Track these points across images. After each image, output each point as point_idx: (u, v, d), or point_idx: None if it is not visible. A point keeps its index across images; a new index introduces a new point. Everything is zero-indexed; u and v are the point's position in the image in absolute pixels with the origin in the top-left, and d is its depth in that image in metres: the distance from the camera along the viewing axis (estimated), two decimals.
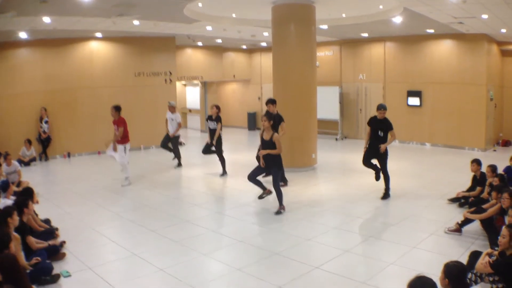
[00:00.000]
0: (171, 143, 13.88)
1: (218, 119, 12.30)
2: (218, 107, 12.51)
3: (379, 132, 9.66)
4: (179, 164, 13.96)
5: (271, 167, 8.90)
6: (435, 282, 3.43)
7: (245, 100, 24.83)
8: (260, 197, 9.27)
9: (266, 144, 8.84)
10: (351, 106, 19.63)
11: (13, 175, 10.49)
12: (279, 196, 8.94)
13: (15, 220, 5.84)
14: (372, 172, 10.06)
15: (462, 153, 15.59)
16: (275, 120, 9.97)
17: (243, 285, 5.80)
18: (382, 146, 9.52)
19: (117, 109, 11.46)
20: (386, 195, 9.81)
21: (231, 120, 25.53)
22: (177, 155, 13.93)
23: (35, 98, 15.66)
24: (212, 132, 12.40)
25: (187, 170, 13.26)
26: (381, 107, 9.86)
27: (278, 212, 8.82)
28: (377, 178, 9.89)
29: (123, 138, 11.46)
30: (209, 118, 12.50)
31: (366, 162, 9.89)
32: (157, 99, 18.02)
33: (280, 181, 10.24)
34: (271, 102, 10.78)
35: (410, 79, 17.58)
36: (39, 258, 5.86)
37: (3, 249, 4.96)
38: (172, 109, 13.92)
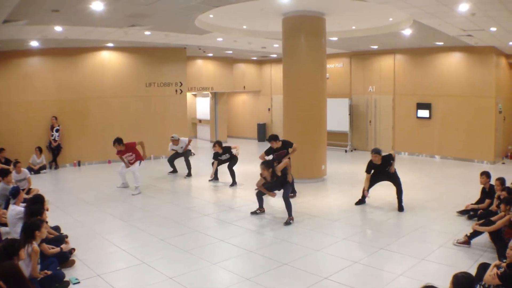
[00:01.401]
0: (184, 157, 14.26)
1: (226, 150, 12.85)
2: (219, 143, 12.93)
3: (387, 168, 9.98)
4: (189, 174, 14.09)
5: (284, 184, 9.14)
6: None
7: (255, 111, 24.89)
8: (253, 212, 9.69)
9: (276, 182, 9.14)
10: (361, 118, 19.63)
11: (22, 182, 10.56)
12: (289, 207, 9.02)
13: (43, 233, 5.90)
14: (384, 185, 10.25)
15: (471, 166, 15.54)
16: (286, 147, 10.65)
17: None
18: (392, 168, 9.90)
19: (120, 141, 11.88)
20: (401, 208, 9.83)
21: (241, 131, 25.64)
22: (188, 166, 14.16)
23: (46, 106, 15.81)
24: (225, 161, 13.00)
25: (197, 180, 13.30)
26: (374, 152, 10.00)
27: (287, 223, 8.88)
28: (358, 203, 10.38)
29: (137, 156, 11.97)
30: (218, 155, 12.91)
31: (372, 184, 10.25)
32: (168, 110, 18.15)
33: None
34: (273, 139, 10.75)
35: (420, 92, 17.58)
36: (48, 272, 5.89)
37: (12, 255, 5.01)
38: (176, 142, 14.32)
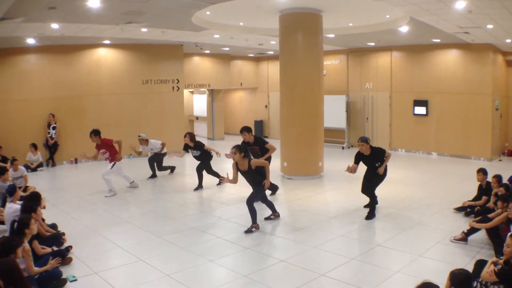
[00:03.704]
0: (156, 161, 13.61)
1: (197, 147, 11.90)
2: (190, 135, 11.98)
3: (376, 164, 9.05)
4: (153, 176, 13.56)
5: (257, 186, 8.46)
6: None
7: (252, 108, 24.88)
8: (267, 218, 9.07)
9: (248, 173, 8.41)
10: (358, 115, 19.65)
11: (19, 180, 10.56)
12: (252, 213, 8.36)
13: (32, 229, 5.89)
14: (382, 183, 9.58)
15: (468, 163, 15.55)
16: (259, 144, 10.24)
17: None
18: (380, 170, 8.99)
19: (96, 133, 11.30)
20: (371, 215, 9.09)
21: (238, 128, 25.45)
22: (153, 170, 13.55)
23: (43, 104, 15.78)
24: (196, 158, 12.12)
25: (194, 178, 13.26)
26: (360, 140, 9.01)
27: (248, 231, 8.27)
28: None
29: (112, 156, 11.39)
30: (188, 147, 11.98)
31: (366, 189, 9.34)
32: (165, 107, 18.14)
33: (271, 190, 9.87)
34: (246, 130, 10.54)
35: (417, 89, 17.59)
36: (49, 268, 5.91)
37: (9, 253, 5.01)
38: (144, 142, 13.46)
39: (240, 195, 11.09)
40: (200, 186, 12.04)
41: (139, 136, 13.62)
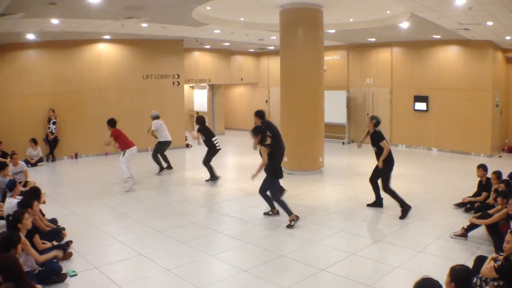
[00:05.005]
0: (159, 151, 13.52)
1: (199, 121, 12.17)
2: (196, 117, 12.25)
3: (373, 147, 9.17)
4: (168, 167, 13.65)
5: (266, 174, 8.60)
6: (441, 285, 3.45)
7: (252, 103, 24.80)
8: (266, 213, 9.08)
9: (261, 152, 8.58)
10: (358, 110, 19.64)
11: (19, 175, 10.53)
12: (268, 200, 8.74)
13: (25, 224, 5.87)
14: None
15: (468, 159, 15.55)
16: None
17: (250, 287, 5.82)
18: (379, 164, 8.99)
19: (109, 122, 11.42)
20: (405, 213, 8.77)
21: (238, 123, 25.62)
22: (157, 162, 13.43)
23: (43, 99, 15.76)
24: (205, 143, 12.15)
25: (194, 173, 13.27)
26: (370, 118, 9.27)
27: (289, 226, 8.23)
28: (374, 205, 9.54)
29: (120, 146, 11.35)
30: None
31: (373, 181, 9.43)
32: (165, 102, 18.12)
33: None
34: (255, 114, 10.34)
35: (417, 84, 17.58)
36: (53, 255, 5.94)
37: (10, 248, 5.01)
38: (152, 119, 13.54)
39: (240, 190, 11.12)
40: (214, 177, 12.08)
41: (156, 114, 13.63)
